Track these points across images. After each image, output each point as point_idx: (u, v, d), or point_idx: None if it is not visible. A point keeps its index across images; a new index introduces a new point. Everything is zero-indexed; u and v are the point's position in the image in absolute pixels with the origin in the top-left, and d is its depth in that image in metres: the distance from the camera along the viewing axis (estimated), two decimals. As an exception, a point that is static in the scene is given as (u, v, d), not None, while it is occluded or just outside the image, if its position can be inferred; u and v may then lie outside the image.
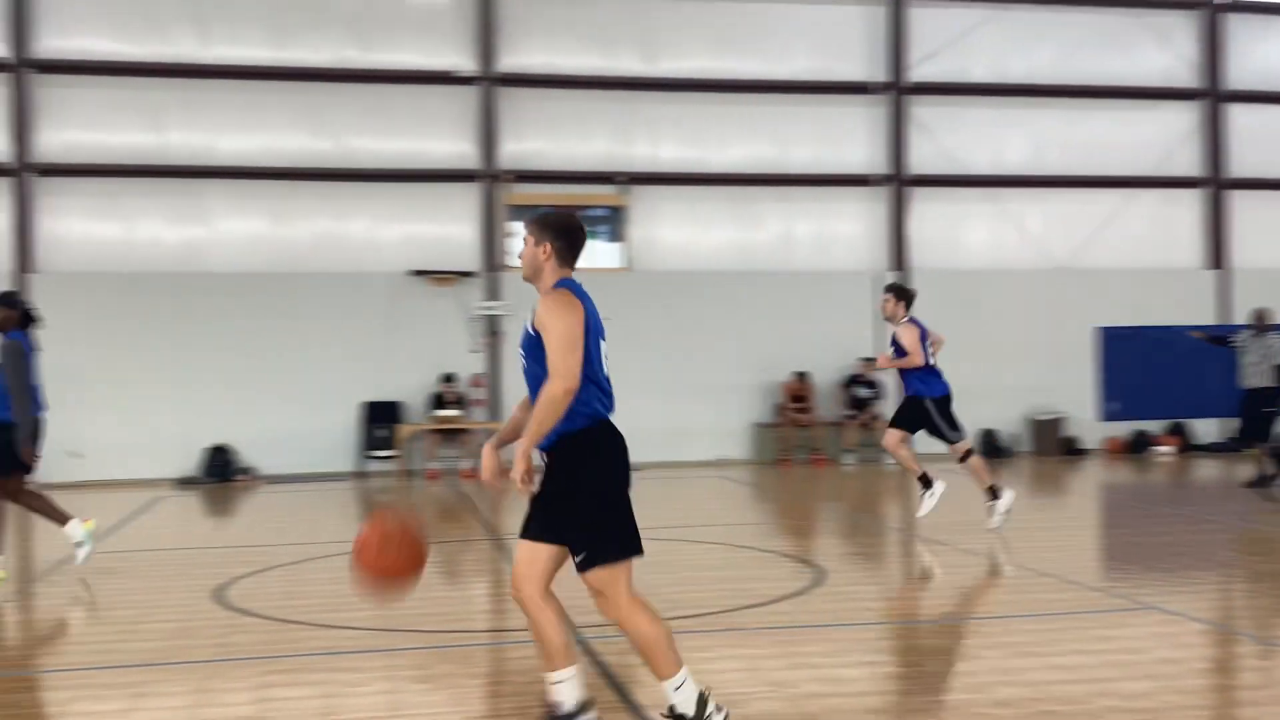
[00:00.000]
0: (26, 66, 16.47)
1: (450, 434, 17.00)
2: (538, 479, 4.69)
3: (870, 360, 16.84)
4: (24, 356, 8.61)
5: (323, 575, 9.02)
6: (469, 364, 17.45)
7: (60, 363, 16.33)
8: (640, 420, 17.41)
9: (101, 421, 16.26)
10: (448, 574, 9.53)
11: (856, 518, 12.61)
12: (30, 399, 8.58)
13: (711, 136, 18.51)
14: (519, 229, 17.87)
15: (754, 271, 18.33)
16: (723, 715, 4.69)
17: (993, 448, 18.24)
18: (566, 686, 4.74)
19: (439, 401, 17.09)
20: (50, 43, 16.66)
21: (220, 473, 16.41)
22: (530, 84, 17.98)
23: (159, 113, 16.98)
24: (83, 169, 16.70)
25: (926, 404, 10.41)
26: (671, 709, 4.67)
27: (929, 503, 10.49)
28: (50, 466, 16.14)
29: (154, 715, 5.43)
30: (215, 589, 8.26)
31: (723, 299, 18.12)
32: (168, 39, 16.99)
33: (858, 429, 17.92)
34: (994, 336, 18.40)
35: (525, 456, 4.55)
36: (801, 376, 18.01)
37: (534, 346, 4.65)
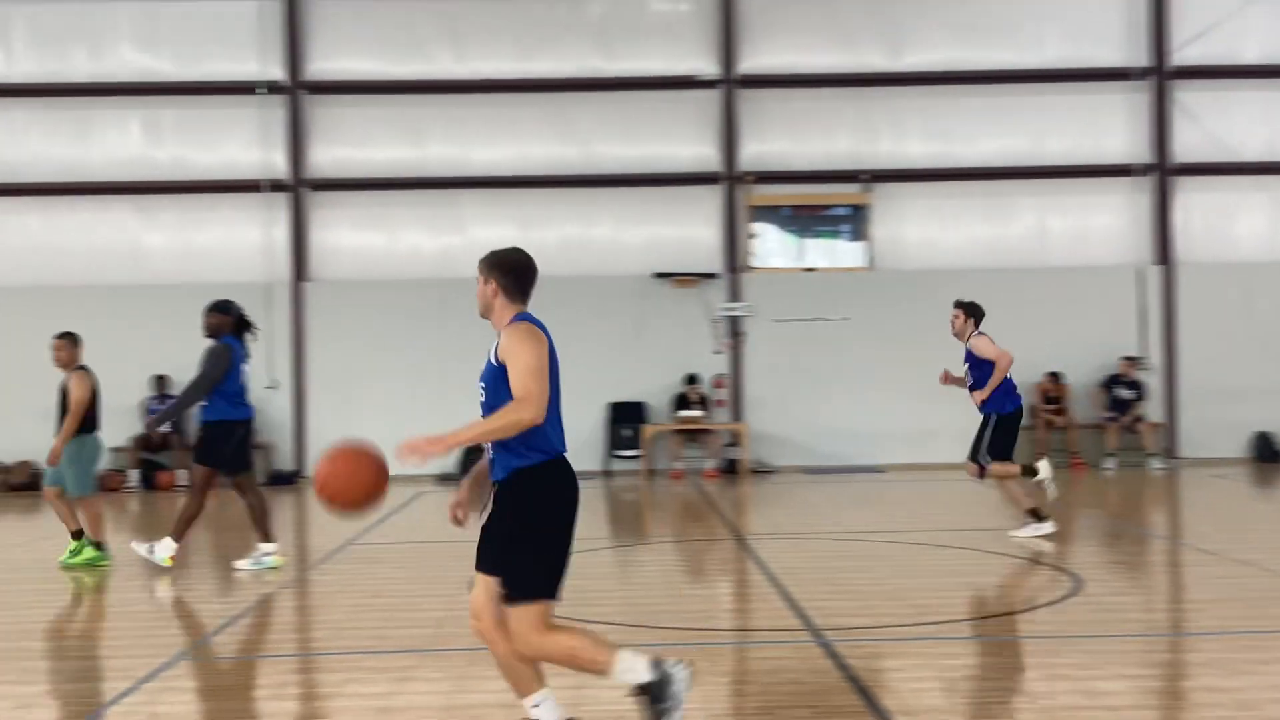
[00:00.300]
0: (300, 88, 17.63)
1: (693, 434, 17.17)
2: (487, 511, 4.66)
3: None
4: (229, 360, 9.37)
5: (572, 570, 9.25)
6: (712, 365, 17.59)
7: (331, 364, 17.45)
8: (884, 422, 17.31)
9: (369, 420, 17.16)
10: (692, 573, 9.65)
11: (1117, 525, 12.03)
12: (201, 398, 9.36)
13: (959, 130, 18.03)
14: (760, 230, 17.96)
15: (1005, 269, 17.73)
16: None
17: (1270, 452, 17.05)
18: (543, 710, 4.72)
19: (682, 402, 17.30)
20: (321, 65, 17.77)
21: (476, 470, 17.09)
22: (771, 84, 17.97)
23: (419, 127, 17.86)
24: (351, 183, 17.75)
25: (992, 418, 10.27)
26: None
27: (1031, 529, 10.17)
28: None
29: (417, 699, 5.72)
30: (472, 581, 8.61)
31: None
32: (427, 57, 17.84)
33: (1119, 432, 17.09)
34: (1269, 334, 17.22)
35: (444, 442, 4.45)
36: (1055, 377, 17.30)
37: (495, 378, 4.62)
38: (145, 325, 16.87)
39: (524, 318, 4.76)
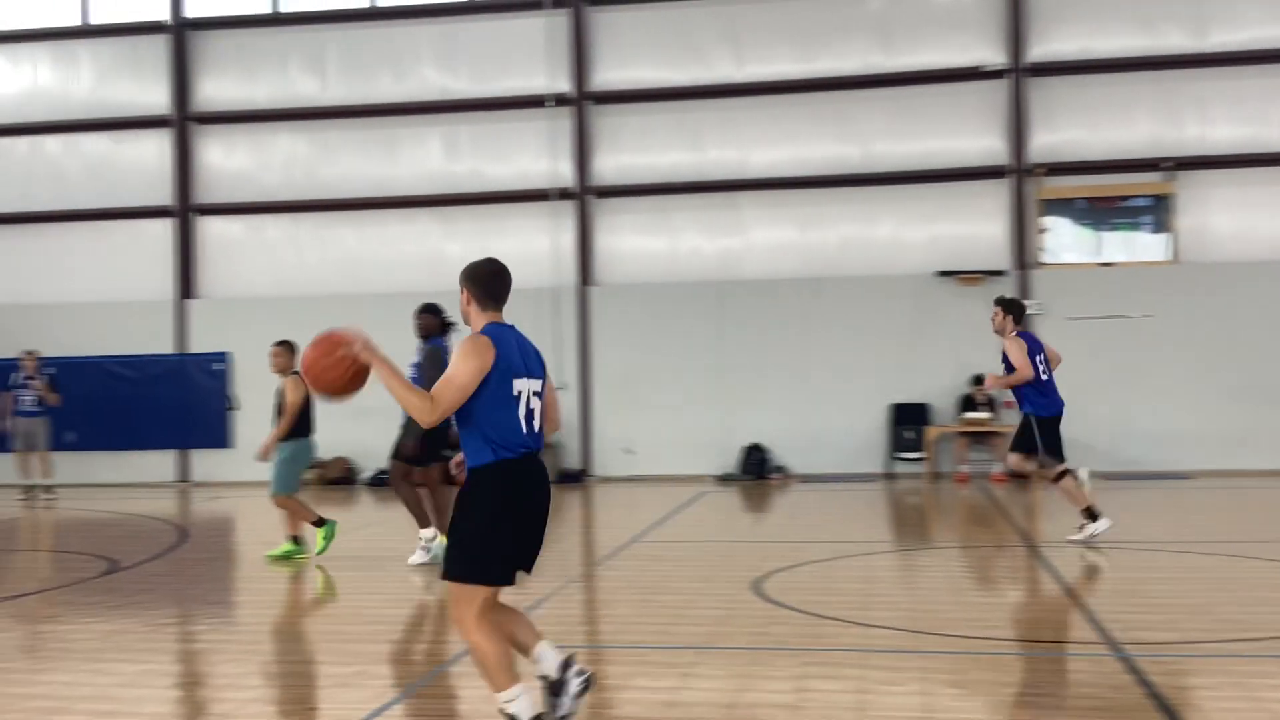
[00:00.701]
0: (586, 99, 18.22)
1: (980, 437, 16.64)
2: None
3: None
4: (445, 361, 9.65)
5: (854, 573, 9.18)
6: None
7: (615, 366, 17.94)
8: (1191, 425, 16.21)
9: (651, 420, 17.63)
10: (980, 579, 9.36)
11: None
12: None
13: (1273, 113, 16.72)
14: (1051, 225, 17.19)
15: (1327, 259, 16.32)
16: None
17: None
18: (517, 704, 4.80)
19: (968, 404, 16.79)
20: (604, 75, 18.30)
21: (756, 470, 17.19)
22: (1063, 71, 17.20)
23: (698, 131, 18.11)
24: (633, 189, 18.20)
25: (1032, 421, 10.21)
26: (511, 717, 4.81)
27: (1094, 527, 10.06)
28: (607, 461, 17.77)
29: (701, 695, 5.81)
30: (753, 581, 8.67)
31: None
32: (706, 63, 18.07)
33: None
34: None
35: (372, 352, 5.33)
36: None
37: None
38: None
39: (489, 329, 4.99)
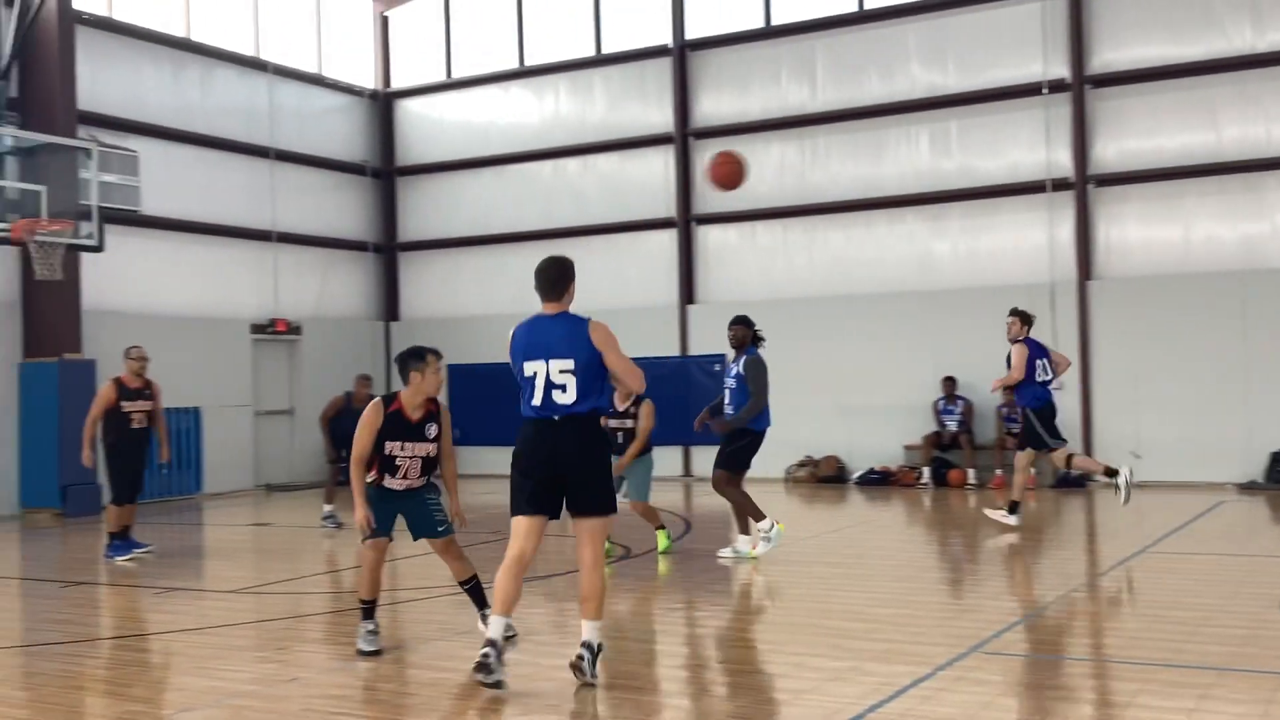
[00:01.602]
0: (1085, 83, 17.29)
1: None
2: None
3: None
4: (765, 369, 10.12)
5: None
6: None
7: (1118, 365, 16.87)
8: None
9: (1159, 423, 16.41)
10: None
11: None
12: (767, 408, 10.18)
13: None
14: None
15: None
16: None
17: None
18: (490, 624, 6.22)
19: None
20: (1105, 57, 17.27)
21: (1285, 479, 15.52)
22: None
23: (1213, 109, 16.63)
24: (1137, 175, 17.03)
25: (1028, 413, 11.88)
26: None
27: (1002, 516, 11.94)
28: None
29: (1222, 719, 5.37)
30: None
31: None
32: (1221, 33, 16.57)
33: None
34: None
35: None
36: None
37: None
38: (934, 329, 17.69)
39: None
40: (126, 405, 11.76)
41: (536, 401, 6.12)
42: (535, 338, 6.19)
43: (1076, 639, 7.46)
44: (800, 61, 19.22)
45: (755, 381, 10.25)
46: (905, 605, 8.48)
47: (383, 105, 22.65)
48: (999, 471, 16.51)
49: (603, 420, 10.50)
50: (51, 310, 16.21)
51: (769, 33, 19.49)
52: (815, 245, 19.10)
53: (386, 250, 22.63)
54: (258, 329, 19.83)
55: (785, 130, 19.29)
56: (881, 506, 15.05)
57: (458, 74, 22.13)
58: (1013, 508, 11.97)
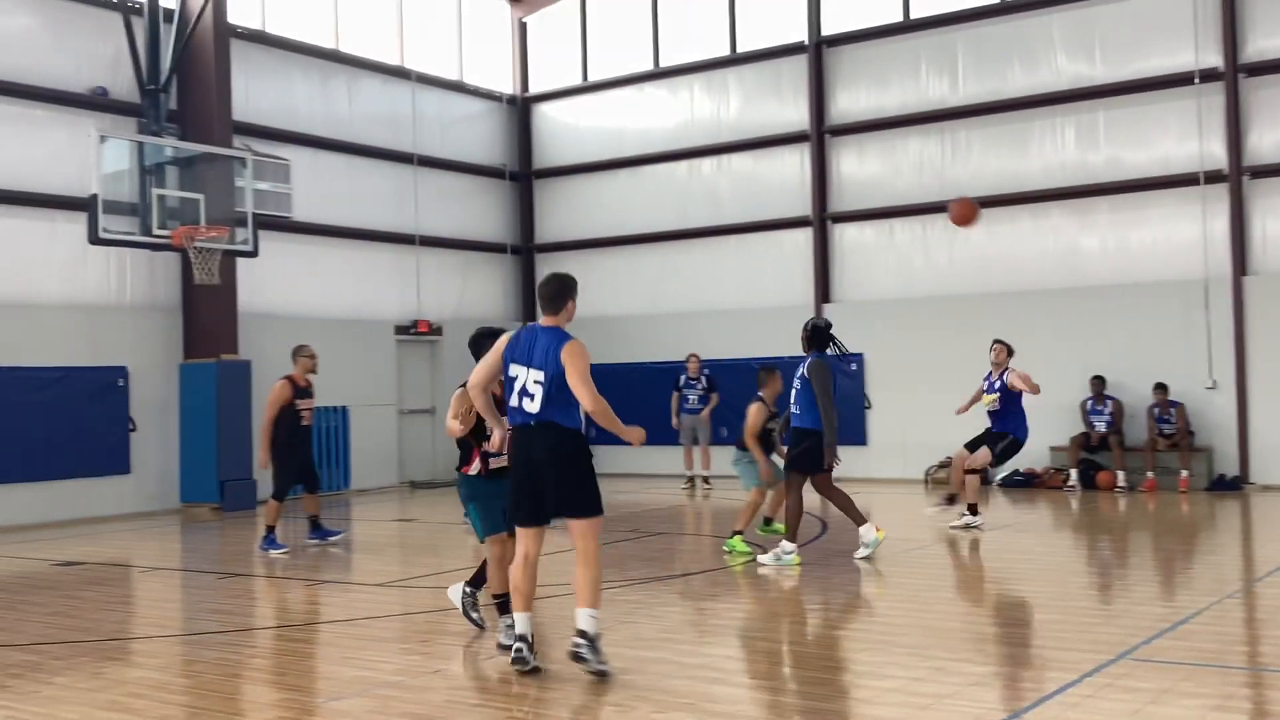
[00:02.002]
0: (1239, 71, 16.59)
1: None
2: None
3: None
4: (831, 372, 10.32)
5: None
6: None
7: (1275, 363, 16.17)
8: None
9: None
10: None
11: None
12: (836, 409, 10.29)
13: None
14: None
15: None
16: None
17: None
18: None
19: None
20: (1260, 45, 16.57)
21: None
22: None
23: (1381, 94, 15.81)
24: (1297, 165, 16.33)
25: (1016, 441, 12.53)
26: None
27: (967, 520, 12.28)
28: (1268, 468, 16.07)
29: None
30: None
31: None
32: (1389, 13, 15.75)
33: None
34: None
35: None
36: None
37: None
38: (1081, 327, 17.21)
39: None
40: (299, 403, 12.22)
41: (512, 403, 6.63)
42: (526, 344, 6.63)
43: (1231, 647, 7.19)
44: (941, 54, 18.90)
45: (820, 384, 10.36)
46: (1051, 610, 8.29)
47: (521, 110, 23.02)
48: (1150, 474, 15.99)
49: (758, 414, 11.36)
50: (210, 313, 16.91)
51: (908, 26, 19.21)
52: (956, 242, 18.75)
53: (524, 252, 22.99)
54: (401, 330, 20.35)
55: (925, 125, 18.98)
56: (1026, 509, 14.71)
57: (594, 77, 22.36)
58: (973, 509, 12.43)
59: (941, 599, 9.02)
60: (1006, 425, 12.48)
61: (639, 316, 21.33)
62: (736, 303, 20.36)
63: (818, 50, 19.87)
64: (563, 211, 22.72)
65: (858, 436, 18.90)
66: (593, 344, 21.55)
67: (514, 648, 6.61)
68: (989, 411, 12.62)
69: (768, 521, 12.10)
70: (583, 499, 6.56)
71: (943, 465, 17.82)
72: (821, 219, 19.79)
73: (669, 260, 21.30)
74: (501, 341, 6.73)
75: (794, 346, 19.34)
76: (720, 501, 15.69)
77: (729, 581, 9.76)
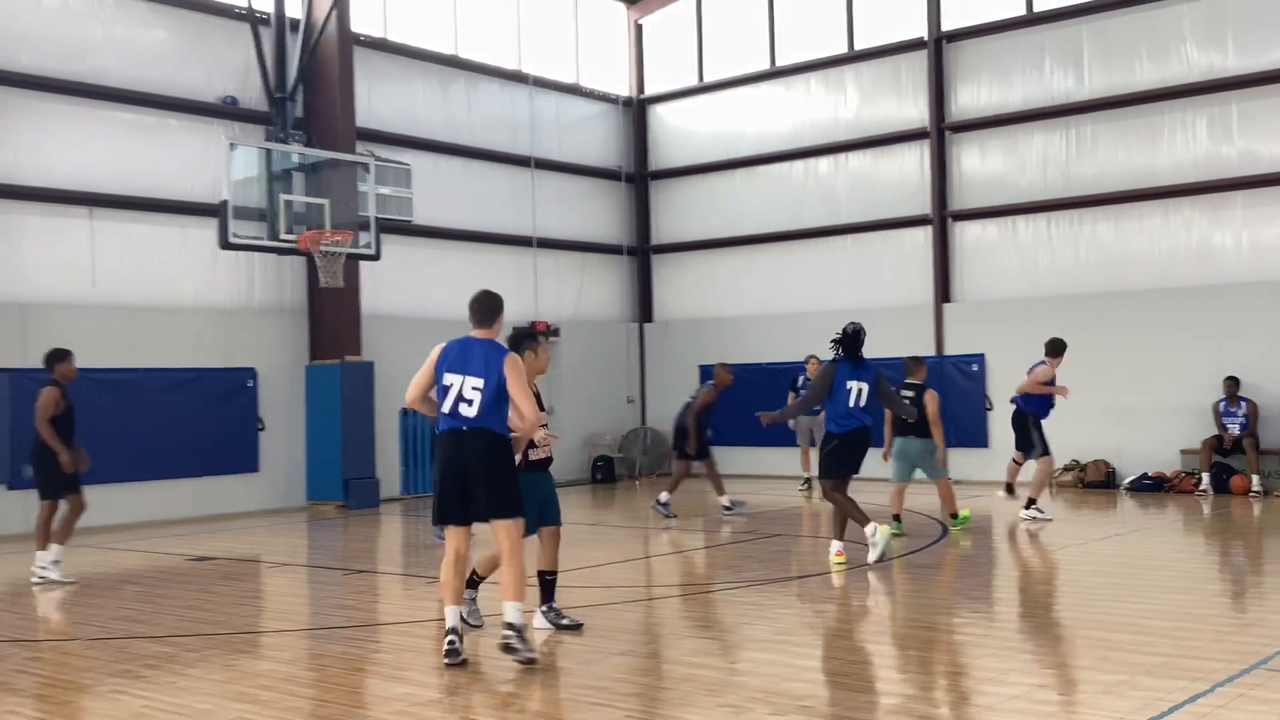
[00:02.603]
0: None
1: None
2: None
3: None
4: (828, 374, 10.44)
5: None
6: None
7: None
8: None
9: None
10: None
11: None
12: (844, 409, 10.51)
13: None
14: None
15: None
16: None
17: None
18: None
19: None
20: None
21: None
22: None
23: None
24: None
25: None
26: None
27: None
28: None
29: None
30: None
31: None
32: None
33: None
34: None
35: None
36: None
37: None
38: (1214, 326, 16.63)
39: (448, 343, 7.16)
40: None
41: (445, 409, 7.01)
42: (461, 355, 7.03)
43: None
44: (1065, 47, 18.44)
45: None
46: (1181, 618, 8.02)
47: (636, 111, 23.12)
48: (1287, 478, 15.39)
49: (935, 399, 12.54)
50: (334, 315, 17.34)
51: (1031, 20, 18.78)
52: (1082, 239, 18.28)
53: (640, 253, 23.08)
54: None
55: (1049, 120, 18.54)
56: (1155, 514, 14.28)
57: (709, 77, 22.35)
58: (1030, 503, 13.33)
59: (1067, 604, 8.81)
60: (1034, 407, 13.66)
61: (755, 317, 21.24)
62: (853, 303, 20.11)
63: (937, 46, 19.56)
64: (678, 212, 22.75)
65: (979, 439, 18.56)
66: (708, 345, 21.76)
67: (446, 640, 6.95)
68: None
69: (954, 516, 12.76)
70: (509, 500, 6.96)
71: (1067, 468, 17.41)
72: (942, 217, 19.48)
73: (785, 261, 21.18)
74: (434, 354, 7.15)
75: (913, 346, 19.30)
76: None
77: (845, 584, 9.67)
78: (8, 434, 14.34)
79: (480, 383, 6.93)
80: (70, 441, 10.64)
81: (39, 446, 10.60)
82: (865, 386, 10.43)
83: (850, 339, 10.57)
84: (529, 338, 7.75)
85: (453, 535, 7.07)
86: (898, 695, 6.18)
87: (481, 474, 6.89)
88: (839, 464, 10.50)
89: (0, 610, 9.41)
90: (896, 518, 12.41)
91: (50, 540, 10.62)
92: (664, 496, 14.66)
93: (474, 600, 7.98)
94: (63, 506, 10.71)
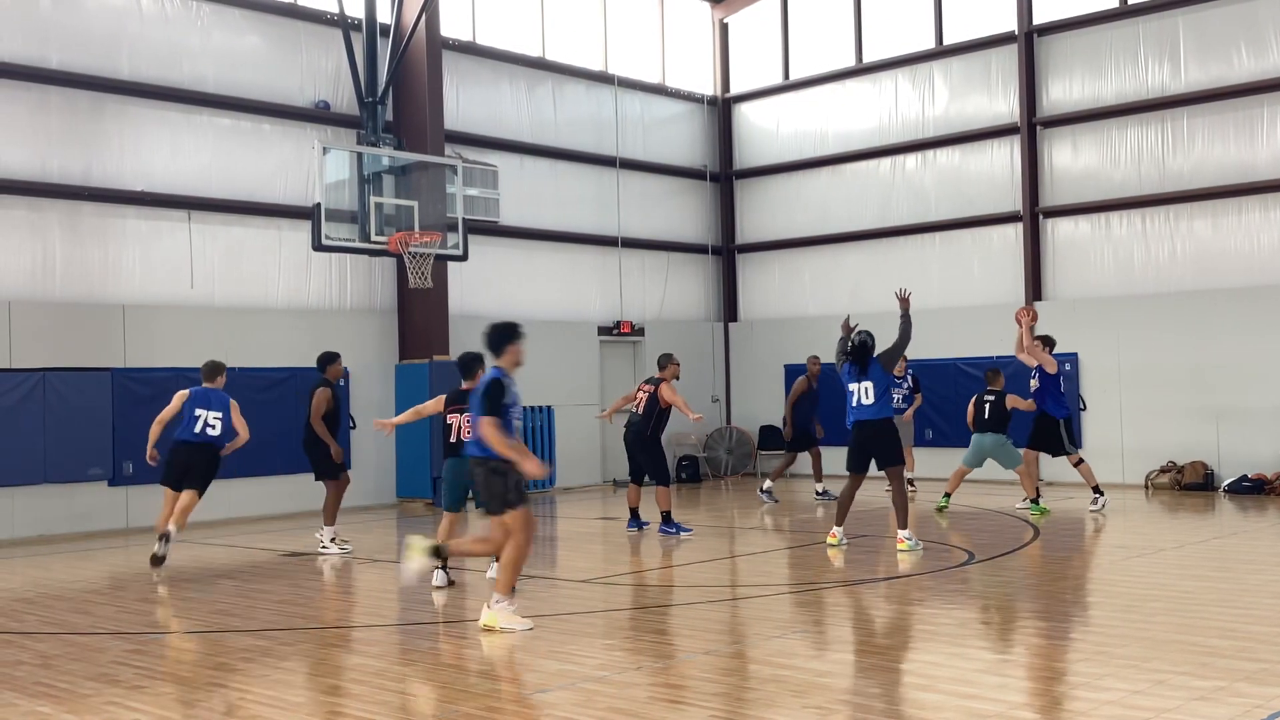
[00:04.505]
0: None
1: None
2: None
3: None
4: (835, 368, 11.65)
5: None
6: None
7: None
8: None
9: None
10: None
11: None
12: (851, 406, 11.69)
13: None
14: None
15: None
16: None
17: None
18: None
19: None
20: None
21: None
22: None
23: None
24: None
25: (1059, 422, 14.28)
26: None
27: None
28: None
29: None
30: None
31: None
32: None
33: None
34: None
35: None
36: None
37: None
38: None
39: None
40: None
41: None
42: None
43: None
44: (1161, 40, 18.02)
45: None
46: (1283, 625, 7.80)
47: (722, 110, 23.07)
48: (1397, 482, 14.86)
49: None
50: (423, 315, 17.57)
51: (1125, 12, 18.38)
52: (1178, 236, 17.84)
53: (725, 252, 23.03)
54: (604, 331, 20.69)
55: (1144, 114, 18.13)
56: (1255, 517, 13.89)
57: (795, 75, 22.22)
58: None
59: (1163, 609, 8.60)
60: (1054, 408, 14.29)
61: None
62: (942, 301, 19.89)
63: (1028, 39, 19.23)
64: (763, 211, 22.66)
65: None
66: (793, 344, 21.66)
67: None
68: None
69: (1037, 504, 13.88)
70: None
71: (1163, 470, 17.02)
72: (1033, 214, 19.14)
73: (872, 259, 20.98)
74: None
75: (1004, 346, 19.03)
76: (924, 505, 15.36)
77: (934, 586, 9.55)
78: (110, 432, 14.75)
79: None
80: (338, 433, 12.43)
81: (311, 437, 12.32)
82: (870, 385, 11.46)
83: (859, 350, 11.53)
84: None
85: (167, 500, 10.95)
86: (992, 700, 6.09)
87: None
88: (847, 460, 11.70)
89: (101, 604, 9.69)
90: (947, 495, 14.55)
91: (325, 521, 12.45)
92: (767, 484, 15.92)
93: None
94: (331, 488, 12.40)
